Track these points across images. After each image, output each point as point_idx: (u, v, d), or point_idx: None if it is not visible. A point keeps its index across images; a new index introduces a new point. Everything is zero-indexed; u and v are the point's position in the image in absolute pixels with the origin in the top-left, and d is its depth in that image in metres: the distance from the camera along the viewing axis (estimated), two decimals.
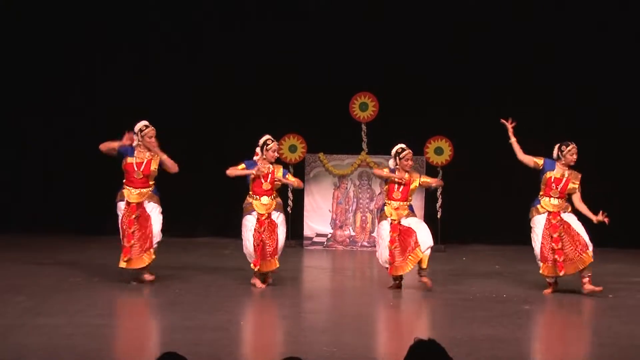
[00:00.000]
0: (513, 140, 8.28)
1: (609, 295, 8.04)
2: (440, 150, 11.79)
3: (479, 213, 12.33)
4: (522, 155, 8.23)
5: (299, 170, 11.73)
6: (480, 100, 12.17)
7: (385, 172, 8.38)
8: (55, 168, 12.56)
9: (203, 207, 12.28)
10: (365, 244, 12.01)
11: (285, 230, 8.44)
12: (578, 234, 7.97)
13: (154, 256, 8.23)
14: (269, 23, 12.29)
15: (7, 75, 12.42)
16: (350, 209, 12.14)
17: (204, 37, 12.43)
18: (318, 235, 12.03)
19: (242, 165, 8.36)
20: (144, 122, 8.32)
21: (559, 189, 8.06)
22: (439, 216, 11.69)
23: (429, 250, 8.15)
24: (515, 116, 11.97)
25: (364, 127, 12.04)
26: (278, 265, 8.28)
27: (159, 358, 3.21)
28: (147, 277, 8.24)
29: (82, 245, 11.19)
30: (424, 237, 8.13)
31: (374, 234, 12.00)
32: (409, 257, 8.08)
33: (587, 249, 7.95)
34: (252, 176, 8.27)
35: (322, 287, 8.85)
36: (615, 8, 11.83)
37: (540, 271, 8.08)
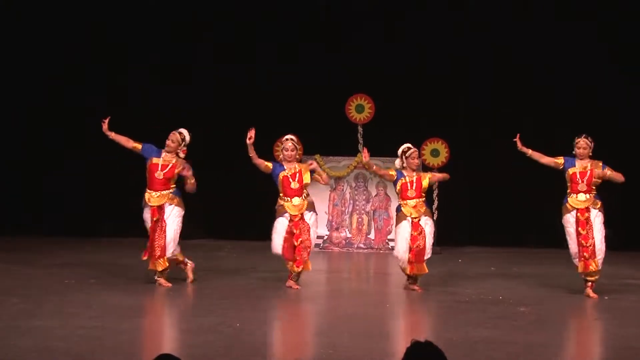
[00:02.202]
0: (530, 152, 8.19)
1: (604, 297, 8.04)
2: (436, 152, 11.79)
3: (475, 215, 12.34)
4: (543, 160, 8.19)
5: None
6: (477, 102, 12.17)
7: (379, 168, 8.58)
8: (52, 169, 12.53)
9: (198, 209, 12.25)
10: (362, 245, 12.00)
11: (315, 231, 8.51)
12: (593, 239, 7.94)
13: (167, 264, 8.24)
14: (266, 24, 12.28)
15: (7, 75, 12.40)
16: (346, 210, 12.13)
17: (202, 39, 12.41)
18: None
19: (270, 164, 8.37)
20: (179, 130, 8.33)
21: (585, 182, 8.00)
22: (435, 218, 11.66)
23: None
24: (514, 117, 12.06)
25: (360, 129, 12.04)
26: (310, 267, 8.35)
27: None
28: (164, 283, 8.26)
29: (77, 247, 11.17)
30: (427, 249, 8.27)
31: (370, 236, 12.01)
32: (419, 265, 8.20)
33: (595, 257, 7.91)
34: (279, 177, 8.29)
35: (318, 289, 8.83)
36: (615, 8, 11.83)
37: (580, 270, 8.01)
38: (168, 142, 8.28)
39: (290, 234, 8.24)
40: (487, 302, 7.75)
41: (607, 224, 8.11)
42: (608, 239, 8.09)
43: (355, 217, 12.12)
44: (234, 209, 11.62)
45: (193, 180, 8.27)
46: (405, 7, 12.08)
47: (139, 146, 8.31)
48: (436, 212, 11.77)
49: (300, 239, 8.21)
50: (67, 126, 12.56)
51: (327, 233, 12.06)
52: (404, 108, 12.05)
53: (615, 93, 11.92)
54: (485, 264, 10.47)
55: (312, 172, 8.43)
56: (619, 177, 8.09)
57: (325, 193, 12.10)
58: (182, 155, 8.31)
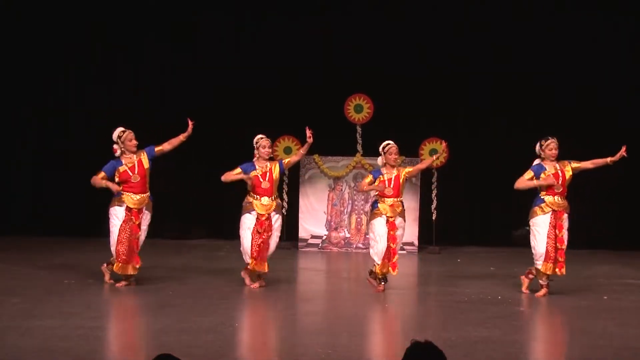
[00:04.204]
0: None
1: (603, 297, 8.05)
2: (435, 151, 11.77)
3: (474, 215, 12.34)
4: (520, 185, 8.13)
5: (294, 171, 11.72)
6: (477, 102, 12.17)
7: (365, 184, 8.38)
8: (51, 169, 12.54)
9: (197, 209, 12.26)
10: (360, 245, 12.00)
11: (279, 234, 8.48)
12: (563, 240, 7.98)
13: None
14: (266, 24, 12.28)
15: (7, 75, 12.40)
16: (345, 210, 12.13)
17: (201, 39, 12.41)
18: (313, 237, 12.02)
19: (238, 170, 8.37)
20: (120, 128, 8.26)
21: (560, 183, 7.97)
22: (434, 218, 11.69)
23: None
24: (514, 117, 12.06)
25: (358, 129, 12.03)
26: (267, 270, 8.30)
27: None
28: (122, 283, 8.25)
29: (77, 247, 11.16)
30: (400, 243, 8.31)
31: (369, 235, 12.00)
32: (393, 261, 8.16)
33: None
34: (247, 179, 8.26)
35: (317, 289, 8.84)
36: (615, 8, 11.83)
37: (542, 270, 8.03)
38: (132, 142, 8.16)
39: (255, 232, 8.25)
40: (487, 302, 7.75)
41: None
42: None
43: (354, 217, 12.12)
44: (234, 209, 11.60)
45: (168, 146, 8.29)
46: (406, 7, 12.08)
47: (102, 174, 8.18)
48: (435, 212, 11.77)
49: (262, 239, 8.20)
50: (67, 126, 12.55)
51: (326, 233, 12.06)
52: (403, 108, 12.05)
53: (615, 93, 11.92)
54: (485, 264, 10.48)
55: (281, 163, 8.46)
56: (593, 163, 8.08)
57: (324, 193, 12.10)
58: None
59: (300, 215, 11.92)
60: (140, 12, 12.36)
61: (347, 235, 12.09)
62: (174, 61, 12.41)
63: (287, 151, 11.75)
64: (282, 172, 8.55)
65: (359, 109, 11.99)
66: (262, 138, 8.46)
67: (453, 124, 12.09)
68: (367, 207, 12.14)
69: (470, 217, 12.34)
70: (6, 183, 12.53)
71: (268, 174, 8.34)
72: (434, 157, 8.91)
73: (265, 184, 8.30)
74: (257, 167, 8.37)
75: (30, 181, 12.64)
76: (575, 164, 8.04)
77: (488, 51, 12.07)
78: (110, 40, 12.36)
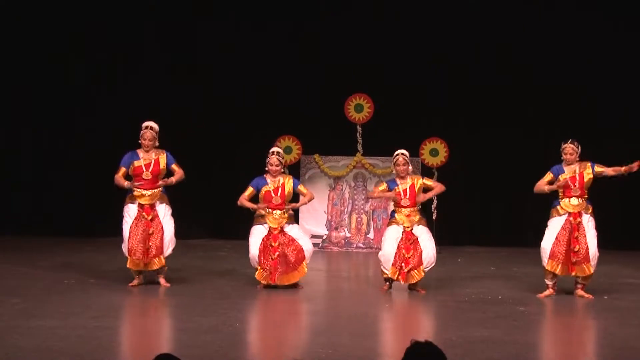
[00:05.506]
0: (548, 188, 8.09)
1: (603, 297, 8.05)
2: (435, 151, 11.79)
3: (475, 214, 12.34)
4: (537, 189, 8.08)
5: (294, 171, 11.72)
6: (476, 101, 12.17)
7: (376, 192, 8.37)
8: (50, 169, 12.54)
9: (198, 209, 12.26)
10: (361, 245, 12.01)
11: (304, 238, 8.40)
12: (587, 243, 7.92)
13: (164, 262, 8.24)
14: (265, 24, 12.28)
15: (7, 75, 12.40)
16: (345, 210, 12.14)
17: (201, 38, 12.42)
18: (313, 236, 11.99)
19: (250, 189, 8.31)
20: (145, 123, 8.31)
21: (577, 186, 7.95)
22: (434, 217, 11.69)
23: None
24: (515, 117, 12.06)
25: (359, 129, 12.04)
26: (306, 271, 8.29)
27: None
28: (163, 282, 8.26)
29: (77, 247, 11.17)
30: (430, 256, 8.14)
31: (369, 236, 12.02)
32: (413, 272, 8.08)
33: (588, 261, 7.91)
34: (260, 201, 8.21)
35: (317, 289, 8.83)
36: (617, 8, 11.83)
37: (548, 268, 7.98)
38: (145, 142, 8.19)
39: (267, 244, 8.16)
40: (487, 302, 7.75)
41: (597, 227, 8.07)
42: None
43: (355, 217, 12.12)
44: (234, 209, 11.61)
45: (174, 180, 8.27)
46: (406, 7, 12.08)
47: (122, 170, 8.23)
48: (435, 211, 11.77)
49: (278, 253, 8.11)
50: (67, 126, 12.56)
51: (327, 233, 12.07)
52: (403, 108, 12.05)
53: (615, 93, 11.91)
54: (485, 264, 10.47)
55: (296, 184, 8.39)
56: (614, 170, 8.02)
57: (325, 193, 12.11)
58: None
59: (301, 215, 11.91)
60: (140, 12, 12.36)
61: (348, 234, 12.09)
62: (173, 61, 12.40)
63: (287, 151, 11.75)
64: (295, 189, 8.34)
65: (359, 109, 11.99)
66: (272, 154, 8.32)
67: (453, 124, 12.09)
68: (368, 207, 12.18)
69: (470, 217, 12.34)
70: (6, 183, 12.53)
71: (280, 189, 8.23)
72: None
73: (276, 199, 8.22)
74: (268, 181, 8.29)
75: (30, 181, 12.64)
76: (598, 169, 7.98)
77: (488, 51, 12.07)
78: (110, 40, 12.35)
